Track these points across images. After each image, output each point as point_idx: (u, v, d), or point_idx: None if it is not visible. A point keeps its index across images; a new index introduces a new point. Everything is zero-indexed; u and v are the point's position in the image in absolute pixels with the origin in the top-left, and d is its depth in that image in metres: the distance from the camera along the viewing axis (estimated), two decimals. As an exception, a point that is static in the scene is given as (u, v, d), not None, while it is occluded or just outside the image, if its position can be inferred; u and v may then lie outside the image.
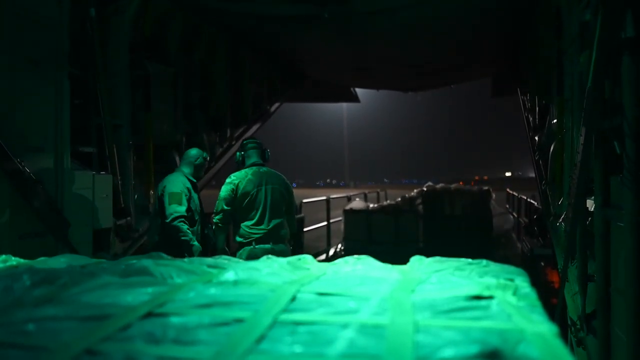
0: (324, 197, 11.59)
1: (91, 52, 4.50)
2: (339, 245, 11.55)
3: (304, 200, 10.71)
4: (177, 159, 5.80)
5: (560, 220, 4.17)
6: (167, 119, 5.63)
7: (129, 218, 4.88)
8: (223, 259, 1.93)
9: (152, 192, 5.22)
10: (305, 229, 10.12)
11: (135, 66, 5.10)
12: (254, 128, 7.70)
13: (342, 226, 11.19)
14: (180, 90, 5.88)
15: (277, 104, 8.66)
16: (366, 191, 17.06)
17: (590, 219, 3.22)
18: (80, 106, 4.50)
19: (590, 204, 3.23)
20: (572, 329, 3.50)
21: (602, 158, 2.76)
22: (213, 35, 6.55)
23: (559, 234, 4.24)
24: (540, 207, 6.79)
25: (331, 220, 11.45)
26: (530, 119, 6.75)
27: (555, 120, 4.85)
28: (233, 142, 7.04)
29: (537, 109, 6.34)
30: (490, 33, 6.90)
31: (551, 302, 5.29)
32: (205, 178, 6.40)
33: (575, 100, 3.57)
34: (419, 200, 10.73)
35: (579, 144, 3.18)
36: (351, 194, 14.02)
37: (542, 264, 5.73)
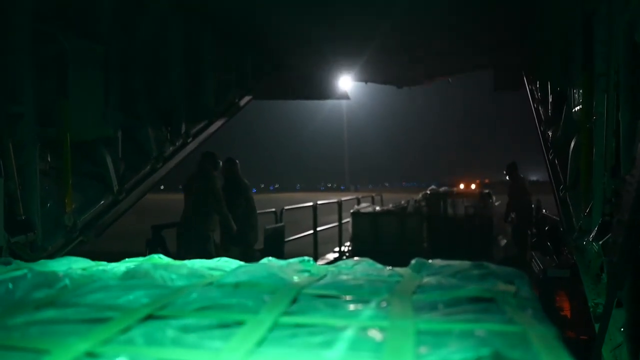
0: (310, 204, 10.64)
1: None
2: (329, 256, 10.76)
3: (286, 208, 9.63)
4: (108, 158, 4.73)
5: (590, 238, 3.09)
6: (94, 108, 4.55)
7: (31, 233, 3.83)
8: (224, 262, 1.94)
9: (68, 199, 4.14)
10: (286, 239, 9.12)
11: (45, 40, 4.05)
12: (218, 124, 6.56)
13: (349, 228, 11.19)
14: (115, 74, 4.80)
15: (247, 98, 7.52)
16: (360, 195, 16.17)
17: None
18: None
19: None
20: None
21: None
22: (163, 10, 5.49)
23: (588, 257, 3.16)
24: (554, 216, 5.74)
25: (321, 228, 10.73)
26: (541, 110, 5.70)
27: (578, 107, 3.80)
28: (189, 140, 5.91)
29: (549, 97, 5.29)
30: (491, 9, 5.82)
31: (568, 335, 4.30)
32: (151, 181, 5.34)
33: (622, 69, 2.49)
34: (423, 203, 11.02)
35: (628, 131, 2.13)
36: (343, 198, 13.06)
37: (557, 287, 4.71)
